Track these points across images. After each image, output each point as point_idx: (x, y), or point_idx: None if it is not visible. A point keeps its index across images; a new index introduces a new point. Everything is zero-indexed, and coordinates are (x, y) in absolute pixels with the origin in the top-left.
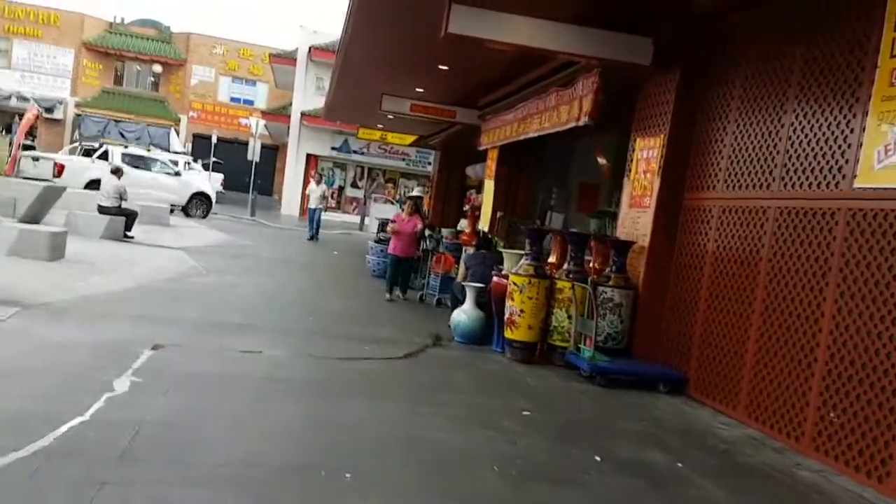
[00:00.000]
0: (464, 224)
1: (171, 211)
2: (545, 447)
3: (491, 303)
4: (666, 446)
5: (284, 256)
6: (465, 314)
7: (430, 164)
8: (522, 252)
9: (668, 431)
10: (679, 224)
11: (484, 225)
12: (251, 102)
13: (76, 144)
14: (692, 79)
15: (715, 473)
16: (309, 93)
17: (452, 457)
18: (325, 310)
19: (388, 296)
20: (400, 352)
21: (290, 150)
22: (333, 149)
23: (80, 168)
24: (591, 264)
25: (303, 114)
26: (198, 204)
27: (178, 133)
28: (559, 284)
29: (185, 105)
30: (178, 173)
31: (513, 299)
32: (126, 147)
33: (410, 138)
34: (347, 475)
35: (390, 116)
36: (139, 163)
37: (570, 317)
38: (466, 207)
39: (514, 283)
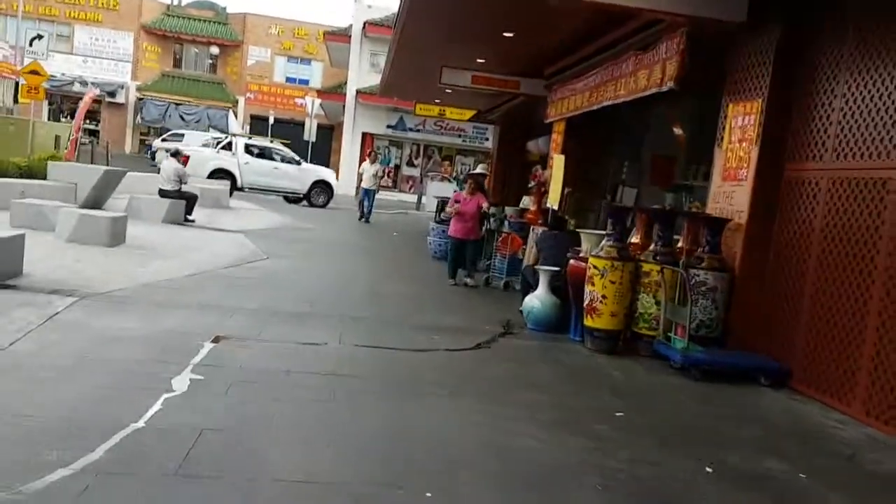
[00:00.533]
0: (528, 201)
1: (297, 200)
2: (648, 457)
3: (567, 288)
4: (783, 452)
5: (343, 239)
6: (538, 300)
7: (487, 139)
8: (603, 232)
9: (781, 434)
10: (780, 198)
11: (553, 202)
12: (306, 82)
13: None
14: (794, 35)
15: (845, 486)
16: (364, 70)
17: (547, 472)
18: (387, 296)
19: (451, 280)
20: (470, 341)
21: (345, 130)
22: (389, 127)
23: (204, 158)
24: (679, 244)
25: (358, 91)
26: (319, 193)
27: (235, 115)
28: (646, 267)
29: (242, 86)
30: (298, 162)
31: (593, 284)
32: (250, 137)
33: (469, 113)
34: (428, 494)
35: (448, 91)
36: (262, 152)
37: (658, 303)
38: (532, 184)
39: (595, 267)
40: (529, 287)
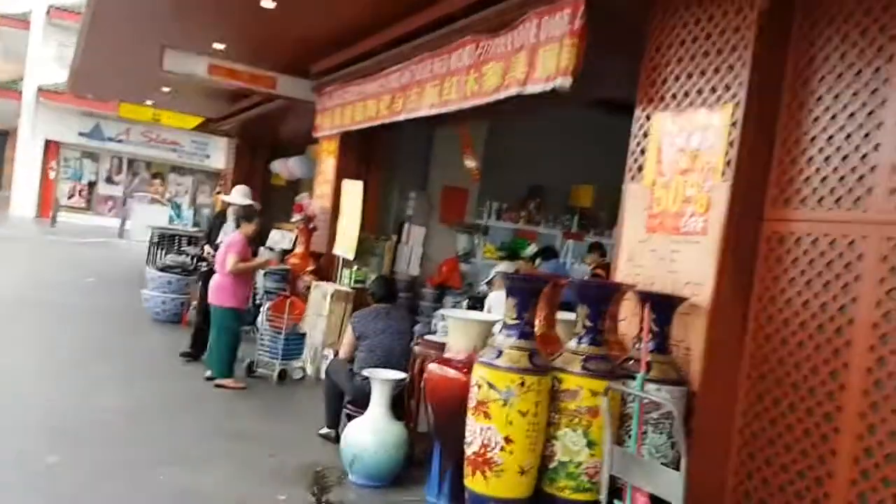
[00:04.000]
0: (288, 240)
1: None
2: None
3: (418, 409)
4: None
5: (13, 283)
6: (371, 434)
7: (208, 156)
8: (489, 318)
9: None
10: (763, 263)
11: (347, 249)
12: None
13: None
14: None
15: None
16: (48, 64)
17: None
18: (77, 419)
19: (208, 373)
20: None
21: (22, 136)
22: (82, 134)
23: None
24: (609, 336)
25: (40, 89)
26: None
27: None
28: (568, 382)
29: None
30: None
31: (488, 416)
32: None
33: (195, 120)
34: None
35: (165, 89)
36: None
37: (591, 444)
38: (296, 217)
39: (491, 386)
40: (339, 399)
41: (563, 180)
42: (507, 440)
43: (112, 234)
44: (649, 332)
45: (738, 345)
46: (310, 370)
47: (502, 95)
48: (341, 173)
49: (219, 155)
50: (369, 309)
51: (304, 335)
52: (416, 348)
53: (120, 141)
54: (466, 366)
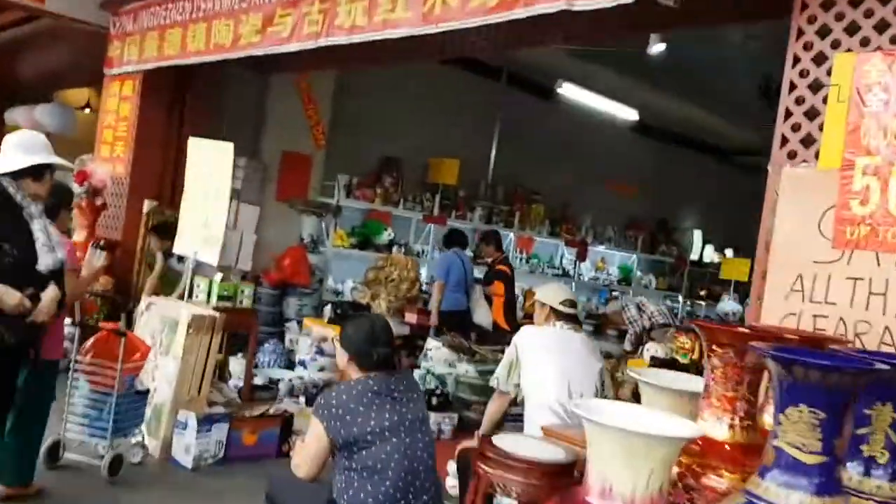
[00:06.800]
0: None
1: None
2: None
3: None
4: None
5: None
6: None
7: None
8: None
9: None
10: None
11: (203, 247)
12: None
13: None
14: None
15: None
16: None
17: None
18: None
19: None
20: None
21: None
22: None
23: None
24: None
25: None
26: None
27: None
28: None
29: None
30: None
31: None
32: None
33: None
34: None
35: None
36: None
37: None
38: (78, 190)
39: None
40: None
41: (422, 152)
42: None
43: None
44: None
45: None
46: (153, 447)
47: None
48: (143, 128)
49: None
50: (354, 382)
51: (146, 394)
52: (478, 468)
53: None
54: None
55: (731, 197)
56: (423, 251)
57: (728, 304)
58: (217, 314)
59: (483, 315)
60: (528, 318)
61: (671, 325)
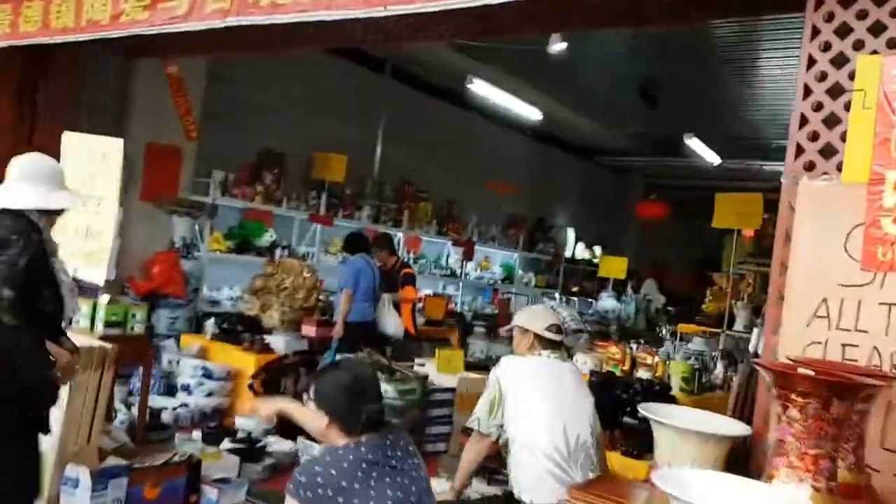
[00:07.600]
0: None
1: None
2: None
3: None
4: None
5: None
6: None
7: None
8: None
9: None
10: None
11: (88, 263)
12: None
13: None
14: None
15: None
16: None
17: None
18: None
19: None
20: None
21: None
22: None
23: None
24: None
25: None
26: None
27: None
28: None
29: None
30: None
31: None
32: None
33: None
34: None
35: None
36: None
37: None
38: None
39: None
40: None
41: (305, 145)
42: None
43: None
44: None
45: None
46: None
47: None
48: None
49: None
50: (343, 452)
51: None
52: None
53: None
54: None
55: (599, 196)
56: (308, 253)
57: (608, 302)
58: (108, 345)
59: (393, 325)
60: (429, 324)
61: (584, 332)
